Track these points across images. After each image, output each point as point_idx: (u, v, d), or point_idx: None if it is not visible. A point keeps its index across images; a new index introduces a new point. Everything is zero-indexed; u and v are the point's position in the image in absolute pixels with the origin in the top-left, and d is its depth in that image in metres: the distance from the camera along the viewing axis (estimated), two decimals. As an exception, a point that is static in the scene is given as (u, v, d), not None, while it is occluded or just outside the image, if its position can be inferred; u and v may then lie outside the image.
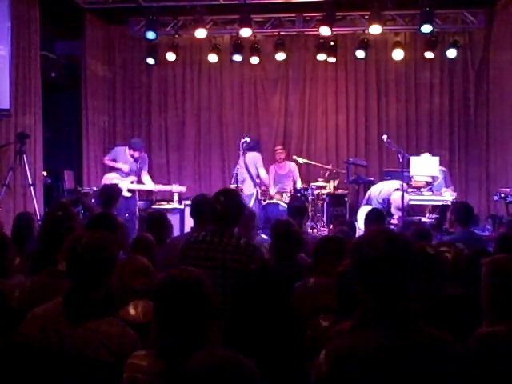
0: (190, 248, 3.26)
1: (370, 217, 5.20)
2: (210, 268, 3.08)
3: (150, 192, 9.99)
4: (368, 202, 7.96)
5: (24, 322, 2.28)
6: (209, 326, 1.98)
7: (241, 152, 8.30)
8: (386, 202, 7.59)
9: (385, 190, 7.81)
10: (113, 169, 7.81)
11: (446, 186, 8.13)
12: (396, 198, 7.38)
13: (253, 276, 2.67)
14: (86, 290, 2.22)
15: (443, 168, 8.40)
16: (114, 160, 7.78)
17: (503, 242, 3.68)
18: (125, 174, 7.69)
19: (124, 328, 2.25)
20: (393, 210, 7.45)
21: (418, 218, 7.31)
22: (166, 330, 1.94)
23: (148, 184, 7.96)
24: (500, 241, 3.75)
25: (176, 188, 8.14)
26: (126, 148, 7.82)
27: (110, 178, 7.63)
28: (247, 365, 1.94)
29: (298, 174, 9.08)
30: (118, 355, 2.11)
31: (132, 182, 7.69)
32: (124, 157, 7.75)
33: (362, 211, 7.47)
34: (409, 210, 7.51)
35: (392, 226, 6.98)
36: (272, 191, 8.50)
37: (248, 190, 8.32)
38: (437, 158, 7.96)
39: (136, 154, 7.70)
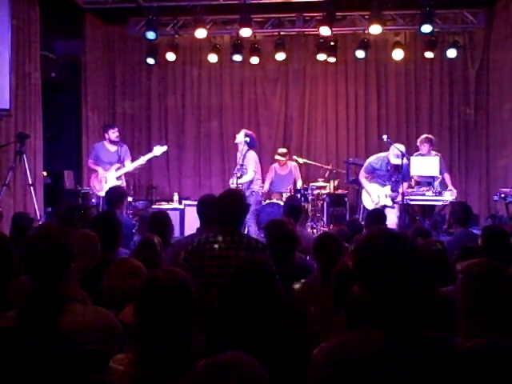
0: (203, 248, 3.28)
1: (371, 217, 5.20)
2: (225, 266, 3.13)
3: (149, 192, 10.03)
4: (368, 172, 7.62)
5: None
6: (192, 330, 1.91)
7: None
8: (388, 165, 7.35)
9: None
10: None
11: (441, 172, 8.10)
12: (391, 152, 7.25)
13: (256, 264, 2.68)
14: (44, 286, 2.17)
15: (438, 154, 8.38)
16: (97, 157, 7.75)
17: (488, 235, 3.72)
18: (108, 165, 7.68)
19: (97, 312, 2.22)
20: (392, 159, 7.21)
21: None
22: (145, 333, 1.87)
23: (131, 165, 7.81)
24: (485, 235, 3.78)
25: (158, 150, 7.91)
26: (104, 141, 7.82)
27: (97, 179, 7.67)
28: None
29: (299, 174, 9.06)
30: (99, 341, 2.09)
31: (117, 170, 7.67)
32: (103, 149, 7.77)
33: (371, 188, 7.45)
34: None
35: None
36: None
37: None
38: (437, 158, 7.94)
39: (112, 135, 7.68)
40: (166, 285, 1.90)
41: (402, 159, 7.09)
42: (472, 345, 2.00)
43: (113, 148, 7.76)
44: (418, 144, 8.20)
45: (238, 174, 7.73)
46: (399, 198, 7.17)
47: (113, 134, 7.73)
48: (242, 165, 7.81)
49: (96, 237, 3.16)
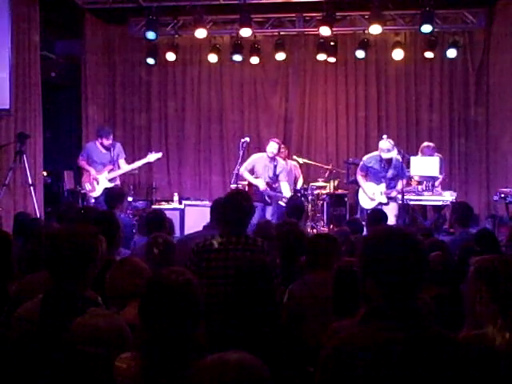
0: (209, 249, 3.28)
1: (371, 218, 5.19)
2: (230, 268, 3.11)
3: (149, 192, 10.01)
4: (363, 170, 7.66)
5: (12, 319, 2.29)
6: (195, 330, 1.93)
7: (241, 152, 8.17)
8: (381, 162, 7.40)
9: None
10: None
11: (439, 173, 8.12)
12: (380, 147, 7.33)
13: (260, 265, 2.70)
14: (66, 284, 2.21)
15: (439, 155, 8.39)
16: (89, 157, 7.68)
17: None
18: (101, 166, 7.62)
19: (111, 318, 2.24)
20: (383, 155, 7.28)
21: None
22: (150, 332, 1.89)
23: (124, 167, 7.77)
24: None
25: (152, 157, 7.87)
26: (96, 142, 7.74)
27: (89, 180, 7.60)
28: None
29: (299, 173, 9.06)
30: (109, 346, 2.10)
31: (109, 172, 7.62)
32: (96, 150, 7.69)
33: (367, 187, 7.50)
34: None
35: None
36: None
37: None
38: (437, 158, 7.95)
39: (105, 142, 7.61)
40: (169, 284, 1.91)
41: (392, 151, 7.21)
42: (468, 336, 2.04)
43: (105, 149, 7.70)
44: (420, 152, 8.24)
45: (270, 183, 7.62)
46: (394, 194, 7.24)
47: (106, 141, 7.64)
48: (276, 175, 7.63)
49: (102, 238, 3.16)
